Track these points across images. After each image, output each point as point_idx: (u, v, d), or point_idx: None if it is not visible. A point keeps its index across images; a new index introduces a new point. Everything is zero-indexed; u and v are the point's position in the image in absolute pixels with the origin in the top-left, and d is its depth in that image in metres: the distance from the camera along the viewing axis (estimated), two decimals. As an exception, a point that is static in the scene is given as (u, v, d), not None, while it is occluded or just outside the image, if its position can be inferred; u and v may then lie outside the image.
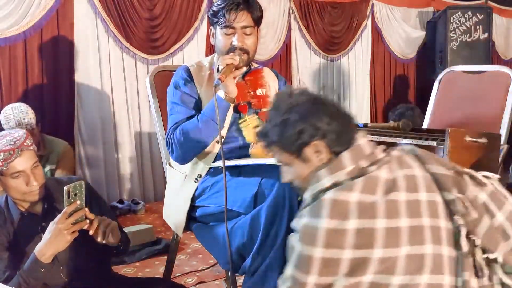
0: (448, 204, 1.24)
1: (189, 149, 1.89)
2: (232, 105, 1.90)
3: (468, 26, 5.71)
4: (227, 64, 1.80)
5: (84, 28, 3.97)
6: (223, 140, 1.94)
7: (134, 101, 4.28)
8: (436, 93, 2.67)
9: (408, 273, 1.16)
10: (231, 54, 1.87)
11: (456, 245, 1.22)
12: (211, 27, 2.01)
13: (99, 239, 1.63)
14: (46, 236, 1.61)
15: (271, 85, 2.09)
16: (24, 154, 1.66)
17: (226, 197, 1.72)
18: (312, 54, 5.44)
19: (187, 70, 2.02)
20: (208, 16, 2.05)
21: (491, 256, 1.22)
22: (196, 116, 1.90)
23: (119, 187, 4.22)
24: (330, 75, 5.61)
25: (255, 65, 2.12)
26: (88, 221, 1.64)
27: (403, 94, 6.22)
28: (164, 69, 2.37)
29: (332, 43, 5.57)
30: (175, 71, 2.10)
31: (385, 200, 1.17)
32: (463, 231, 1.21)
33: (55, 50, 3.86)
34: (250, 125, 1.98)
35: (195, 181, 1.95)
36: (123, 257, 2.91)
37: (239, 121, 1.98)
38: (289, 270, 1.20)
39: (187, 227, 2.01)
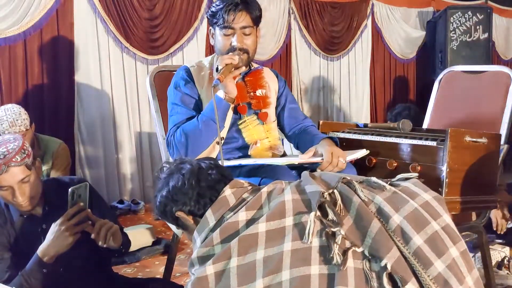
0: (321, 220, 1.18)
1: (190, 150, 1.89)
2: (232, 105, 1.90)
3: (468, 26, 5.71)
4: (226, 64, 1.80)
5: (84, 28, 3.97)
6: (223, 140, 1.94)
7: (134, 101, 4.28)
8: (436, 93, 2.67)
9: None
10: (230, 54, 1.87)
11: (328, 260, 1.14)
12: (211, 28, 2.01)
13: (100, 243, 1.63)
14: (48, 237, 1.61)
15: (271, 85, 2.09)
16: (10, 170, 1.61)
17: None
18: (312, 54, 5.44)
19: (187, 71, 2.02)
20: (207, 17, 2.05)
21: (382, 263, 1.12)
22: (196, 117, 1.90)
23: (119, 187, 4.22)
24: (330, 75, 5.61)
25: (255, 65, 2.12)
26: (90, 222, 1.65)
27: (403, 94, 6.22)
28: (164, 69, 2.37)
29: (332, 43, 5.57)
30: (175, 71, 2.10)
31: (238, 239, 1.20)
32: (334, 245, 1.13)
33: (55, 50, 3.86)
34: (249, 126, 1.98)
35: (195, 181, 1.94)
36: (123, 257, 2.91)
37: (239, 122, 1.98)
38: None
39: (187, 227, 2.01)
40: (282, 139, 2.16)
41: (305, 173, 1.33)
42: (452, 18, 5.66)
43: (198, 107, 1.96)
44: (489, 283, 2.19)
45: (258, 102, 2.01)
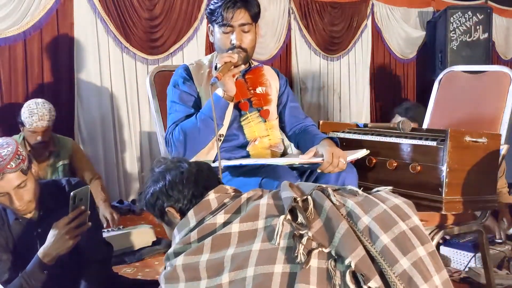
0: (291, 223, 1.22)
1: (188, 148, 1.89)
2: (231, 103, 1.89)
3: (468, 26, 5.71)
4: (225, 62, 1.80)
5: (84, 28, 3.97)
6: (222, 138, 1.94)
7: (134, 101, 4.28)
8: (436, 93, 2.66)
9: None
10: (229, 52, 1.87)
11: (293, 260, 1.17)
12: (210, 25, 2.01)
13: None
14: (49, 239, 1.62)
15: (271, 83, 2.09)
16: (6, 177, 1.60)
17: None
18: (312, 54, 5.44)
19: (186, 69, 2.02)
20: (206, 14, 2.05)
21: (346, 262, 1.15)
22: (194, 115, 1.90)
23: (119, 187, 4.22)
24: (330, 75, 5.61)
25: (255, 63, 2.12)
26: (90, 224, 1.65)
27: (403, 94, 6.22)
28: (164, 69, 2.37)
29: (332, 43, 5.57)
30: (175, 71, 2.10)
31: (211, 237, 1.25)
32: (300, 245, 1.17)
33: (55, 50, 3.86)
34: (251, 123, 1.98)
35: (195, 181, 1.94)
36: (123, 257, 2.91)
37: (241, 119, 1.98)
38: None
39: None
40: (282, 139, 2.16)
41: (285, 183, 1.37)
42: (452, 18, 5.66)
43: (197, 105, 1.96)
44: (489, 283, 2.19)
45: (259, 100, 2.01)
